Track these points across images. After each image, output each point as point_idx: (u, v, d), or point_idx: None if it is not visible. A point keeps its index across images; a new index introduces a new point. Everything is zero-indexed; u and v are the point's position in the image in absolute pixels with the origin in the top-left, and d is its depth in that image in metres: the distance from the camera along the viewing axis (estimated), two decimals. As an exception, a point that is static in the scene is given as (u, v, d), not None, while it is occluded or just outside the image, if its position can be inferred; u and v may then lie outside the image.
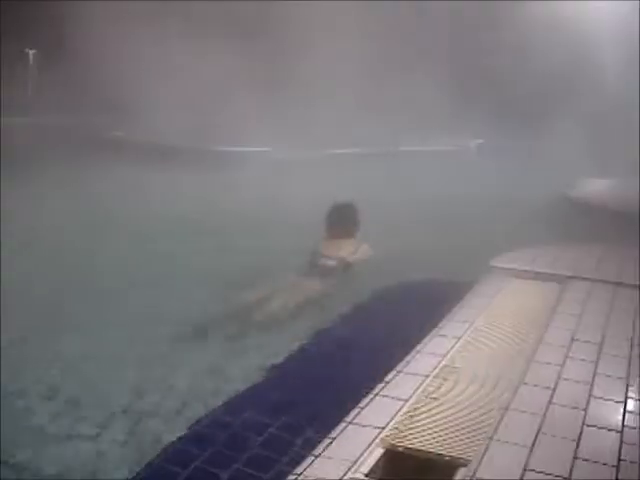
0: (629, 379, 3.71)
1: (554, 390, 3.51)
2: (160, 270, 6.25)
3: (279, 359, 4.22)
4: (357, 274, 6.42)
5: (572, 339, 4.28)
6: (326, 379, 3.92)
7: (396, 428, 3.11)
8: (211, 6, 14.28)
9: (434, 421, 3.21)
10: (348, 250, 6.54)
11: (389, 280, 5.92)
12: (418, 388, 3.53)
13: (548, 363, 3.89)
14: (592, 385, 3.60)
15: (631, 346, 4.21)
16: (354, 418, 3.20)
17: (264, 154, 13.30)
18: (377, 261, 6.52)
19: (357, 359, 4.24)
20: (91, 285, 5.81)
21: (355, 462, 2.82)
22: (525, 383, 3.59)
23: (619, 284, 5.52)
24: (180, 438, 3.18)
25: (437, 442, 3.02)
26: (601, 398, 3.46)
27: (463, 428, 3.16)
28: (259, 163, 12.29)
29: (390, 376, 3.65)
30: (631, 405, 3.39)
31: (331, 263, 6.39)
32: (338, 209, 6.86)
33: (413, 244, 7.13)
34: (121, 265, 6.40)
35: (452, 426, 3.17)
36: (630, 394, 3.52)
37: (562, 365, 3.86)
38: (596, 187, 11.12)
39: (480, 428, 3.14)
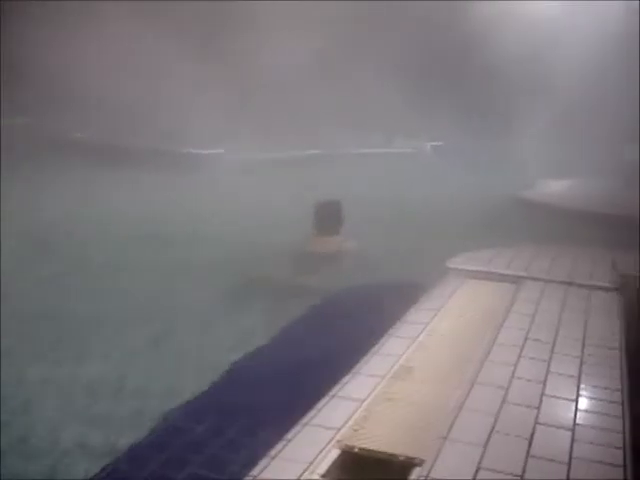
0: (580, 377, 3.76)
1: (507, 389, 3.56)
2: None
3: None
4: (342, 269, 6.55)
5: (525, 339, 4.34)
6: (282, 381, 3.93)
7: (352, 429, 3.13)
8: (164, 5, 14.20)
9: (389, 421, 3.24)
10: (334, 246, 6.71)
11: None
12: (374, 389, 3.55)
13: (502, 363, 3.93)
14: (545, 384, 3.65)
15: (582, 345, 4.27)
16: (310, 419, 3.20)
17: (218, 156, 13.28)
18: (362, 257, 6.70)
19: (313, 361, 4.25)
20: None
21: (311, 463, 2.83)
22: (479, 383, 3.63)
23: (571, 284, 5.61)
24: (133, 444, 3.17)
25: (392, 442, 3.04)
26: (553, 397, 3.51)
27: (418, 428, 3.18)
28: (213, 164, 12.27)
29: (347, 378, 3.67)
30: (582, 403, 3.45)
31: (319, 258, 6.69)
32: (324, 206, 7.00)
33: (370, 244, 7.19)
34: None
35: (407, 426, 3.20)
36: (581, 392, 3.57)
37: (515, 364, 3.91)
38: (552, 188, 11.28)
39: (435, 428, 3.17)
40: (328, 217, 7.13)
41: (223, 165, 12.72)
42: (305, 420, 3.19)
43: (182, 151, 13.52)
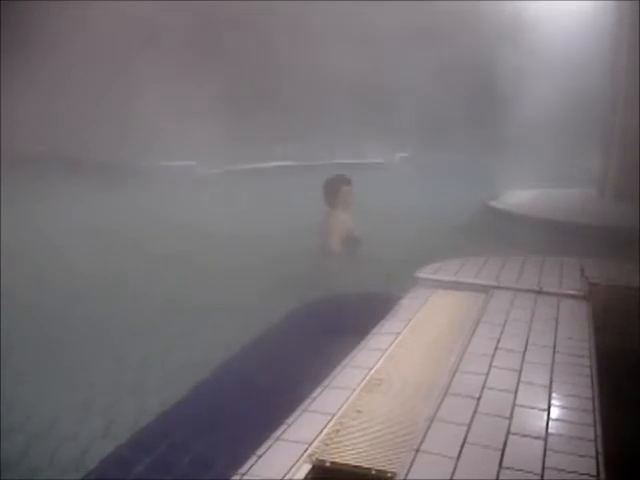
0: (552, 386, 3.76)
1: (479, 400, 3.54)
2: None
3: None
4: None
5: (496, 348, 4.33)
6: (250, 396, 3.88)
7: (323, 443, 3.09)
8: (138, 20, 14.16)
9: (361, 435, 3.20)
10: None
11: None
12: (345, 402, 3.52)
13: (473, 373, 3.92)
14: (516, 393, 3.64)
15: (553, 353, 4.28)
16: (281, 434, 3.16)
17: (189, 168, 13.27)
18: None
19: (282, 375, 4.21)
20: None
21: (282, 478, 2.78)
22: (450, 393, 3.61)
23: (540, 292, 5.63)
24: (102, 460, 3.11)
25: (364, 456, 3.00)
26: (525, 406, 3.49)
27: (390, 440, 3.15)
28: (184, 177, 12.24)
29: (317, 391, 3.63)
30: (554, 412, 3.44)
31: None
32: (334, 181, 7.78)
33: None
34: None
35: (379, 439, 3.17)
36: (553, 401, 3.56)
37: (487, 374, 3.89)
38: (521, 198, 11.37)
39: (407, 440, 3.14)
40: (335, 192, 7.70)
41: (193, 177, 12.71)
42: (276, 435, 3.14)
43: (153, 164, 13.45)
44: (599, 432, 3.23)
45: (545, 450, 3.06)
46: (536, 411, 3.46)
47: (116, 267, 7.08)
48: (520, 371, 3.98)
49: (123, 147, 13.83)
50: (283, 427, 3.22)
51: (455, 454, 2.97)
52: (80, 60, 13.69)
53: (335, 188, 7.64)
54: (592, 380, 3.87)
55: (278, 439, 3.12)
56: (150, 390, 4.28)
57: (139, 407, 4.02)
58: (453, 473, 2.82)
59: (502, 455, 2.98)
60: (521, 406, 3.50)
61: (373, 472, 2.89)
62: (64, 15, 13.26)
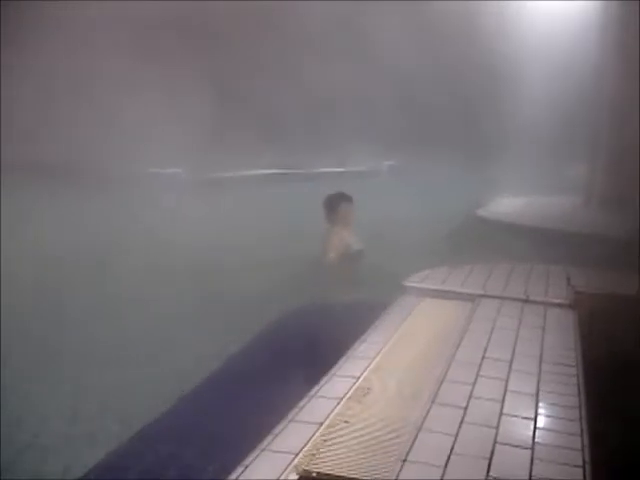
0: (538, 395, 3.76)
1: (466, 409, 3.54)
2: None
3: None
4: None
5: (483, 357, 4.33)
6: (240, 405, 3.87)
7: (310, 453, 3.07)
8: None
9: (348, 445, 3.19)
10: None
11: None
12: (332, 411, 3.51)
13: (460, 382, 3.92)
14: (503, 403, 3.64)
15: (539, 362, 4.28)
16: (268, 445, 3.15)
17: (175, 175, 13.27)
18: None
19: (271, 383, 4.20)
20: None
21: (269, 490, 2.78)
22: (437, 403, 3.61)
23: (527, 301, 5.64)
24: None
25: (351, 466, 2.99)
26: (512, 415, 3.50)
27: (377, 450, 3.14)
28: (170, 183, 12.23)
29: (304, 401, 3.62)
30: (541, 422, 3.44)
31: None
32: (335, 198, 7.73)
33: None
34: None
35: (366, 449, 3.16)
36: (540, 411, 3.57)
37: (474, 383, 3.89)
38: (509, 206, 11.40)
39: (394, 450, 3.13)
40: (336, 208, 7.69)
41: (178, 184, 12.69)
42: (262, 445, 3.13)
43: (139, 170, 13.43)
44: (586, 441, 3.24)
45: (532, 459, 3.06)
46: (523, 420, 3.46)
47: (86, 281, 6.99)
48: (507, 380, 3.98)
49: (107, 154, 13.78)
50: (270, 437, 3.21)
51: (442, 464, 2.97)
52: (62, 65, 13.62)
53: (335, 205, 7.65)
54: (579, 389, 3.88)
55: (265, 449, 3.11)
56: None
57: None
58: (440, 483, 2.82)
59: (489, 465, 2.98)
60: (508, 415, 3.50)
61: (360, 482, 2.88)
62: (41, 18, 13.19)
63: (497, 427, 3.35)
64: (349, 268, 7.23)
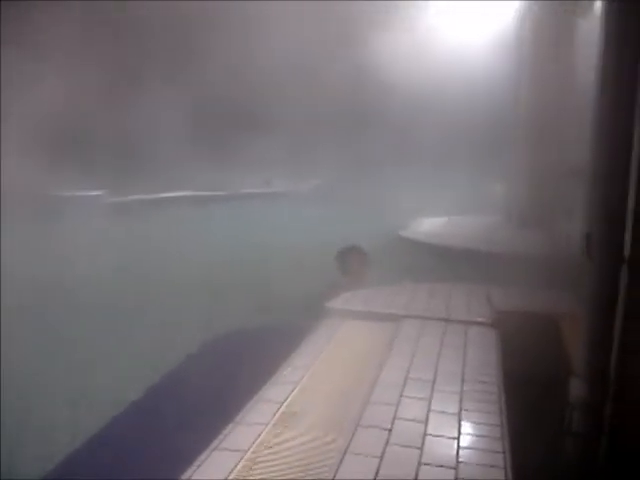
0: (461, 414, 3.80)
1: (390, 430, 3.54)
2: None
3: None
4: None
5: (406, 378, 4.36)
6: (160, 434, 3.79)
7: (234, 482, 3.03)
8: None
9: (273, 471, 3.16)
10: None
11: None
12: (257, 438, 3.47)
13: (384, 403, 3.92)
14: (427, 423, 3.66)
15: (462, 381, 4.33)
16: (191, 475, 3.08)
17: (96, 198, 13.07)
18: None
19: (192, 411, 4.13)
20: None
21: (192, 522, 2.72)
22: (362, 425, 3.60)
23: (448, 320, 5.71)
24: None
25: (276, 493, 2.96)
26: (436, 435, 3.52)
27: (303, 475, 3.12)
28: (91, 206, 12.04)
29: (228, 428, 3.57)
30: (464, 441, 3.47)
31: None
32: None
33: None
34: None
35: (292, 474, 3.13)
36: (463, 430, 3.60)
37: (397, 404, 3.91)
38: (430, 226, 11.53)
39: (320, 474, 3.12)
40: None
41: (99, 207, 12.49)
42: (185, 477, 3.06)
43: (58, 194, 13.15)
44: (509, 459, 3.28)
45: (456, 479, 3.08)
46: (446, 440, 3.49)
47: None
48: (430, 400, 4.01)
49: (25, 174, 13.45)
50: (192, 469, 3.14)
51: (368, 487, 2.97)
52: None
53: (347, 259, 7.80)
54: (500, 407, 3.93)
55: (188, 480, 3.05)
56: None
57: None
58: (366, 507, 2.81)
59: (414, 486, 2.99)
60: (432, 435, 3.53)
61: (286, 510, 2.85)
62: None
63: (421, 447, 3.37)
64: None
